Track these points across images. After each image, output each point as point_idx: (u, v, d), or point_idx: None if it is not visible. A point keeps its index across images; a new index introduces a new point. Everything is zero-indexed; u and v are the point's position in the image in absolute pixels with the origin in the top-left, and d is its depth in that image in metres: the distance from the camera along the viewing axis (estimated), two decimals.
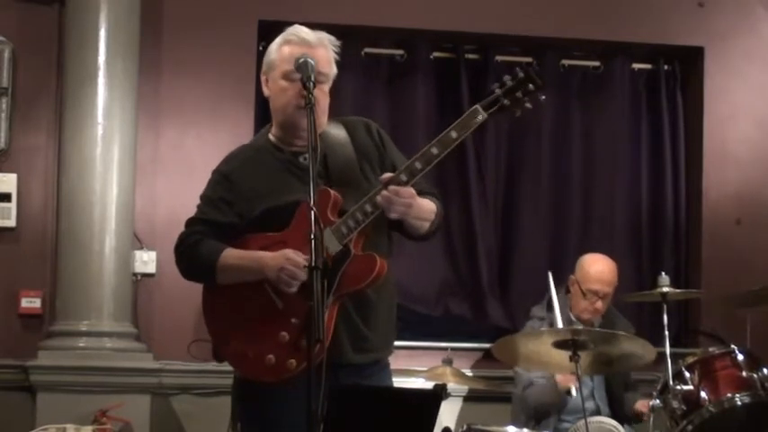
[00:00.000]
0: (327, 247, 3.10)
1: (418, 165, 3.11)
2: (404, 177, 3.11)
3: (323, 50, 3.24)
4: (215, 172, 3.37)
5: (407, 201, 3.12)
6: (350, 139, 3.32)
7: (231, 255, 3.20)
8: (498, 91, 3.16)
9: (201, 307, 3.32)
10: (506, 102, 3.15)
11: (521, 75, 3.16)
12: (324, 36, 3.27)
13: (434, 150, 3.10)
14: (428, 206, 3.26)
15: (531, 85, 3.15)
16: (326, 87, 3.26)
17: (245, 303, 3.22)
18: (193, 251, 3.25)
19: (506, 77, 3.18)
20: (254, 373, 3.20)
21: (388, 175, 3.13)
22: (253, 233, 3.22)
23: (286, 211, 3.17)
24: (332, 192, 3.18)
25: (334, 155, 3.26)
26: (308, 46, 3.21)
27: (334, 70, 3.29)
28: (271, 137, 3.34)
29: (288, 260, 3.07)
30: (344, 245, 3.13)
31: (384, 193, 3.09)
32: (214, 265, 3.20)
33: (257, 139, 3.45)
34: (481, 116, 3.12)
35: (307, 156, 3.07)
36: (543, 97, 3.20)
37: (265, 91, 3.32)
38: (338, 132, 3.33)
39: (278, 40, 3.29)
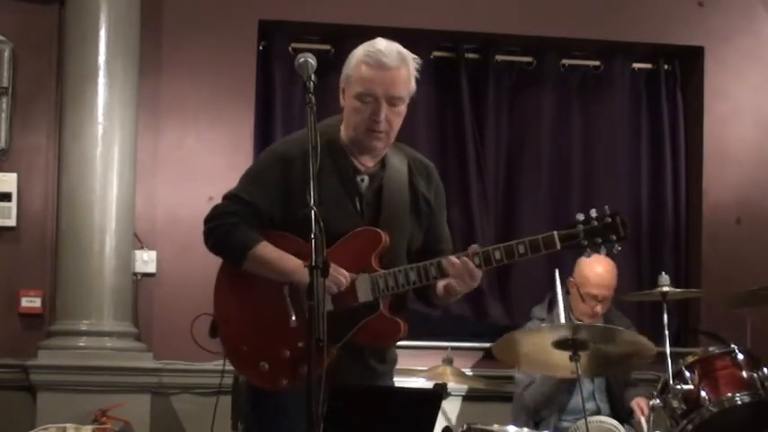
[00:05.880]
0: (358, 292, 3.09)
1: (497, 255, 3.08)
2: (477, 261, 3.09)
3: (403, 71, 3.12)
4: (272, 152, 3.26)
5: (476, 284, 3.11)
6: (408, 181, 3.26)
7: (267, 250, 3.12)
8: (581, 227, 3.10)
9: (214, 286, 3.25)
10: (584, 242, 3.10)
11: (608, 220, 3.09)
12: (406, 55, 3.14)
13: (497, 255, 3.09)
14: None
15: (613, 235, 3.09)
16: (402, 108, 3.16)
17: (259, 303, 3.17)
18: (229, 233, 3.14)
19: (593, 214, 3.10)
20: (242, 369, 3.21)
21: (474, 247, 3.10)
22: (289, 232, 3.13)
23: (333, 231, 3.06)
24: (384, 236, 3.13)
25: (389, 192, 3.21)
26: (385, 70, 3.09)
27: (412, 87, 3.17)
28: (342, 135, 3.22)
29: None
30: (375, 298, 3.11)
31: (462, 264, 3.06)
32: (246, 253, 3.12)
33: (323, 130, 3.15)
34: (556, 247, 3.10)
35: (365, 177, 3.17)
36: (620, 249, 3.12)
37: (342, 100, 3.22)
38: (400, 167, 3.26)
39: (359, 52, 3.15)
